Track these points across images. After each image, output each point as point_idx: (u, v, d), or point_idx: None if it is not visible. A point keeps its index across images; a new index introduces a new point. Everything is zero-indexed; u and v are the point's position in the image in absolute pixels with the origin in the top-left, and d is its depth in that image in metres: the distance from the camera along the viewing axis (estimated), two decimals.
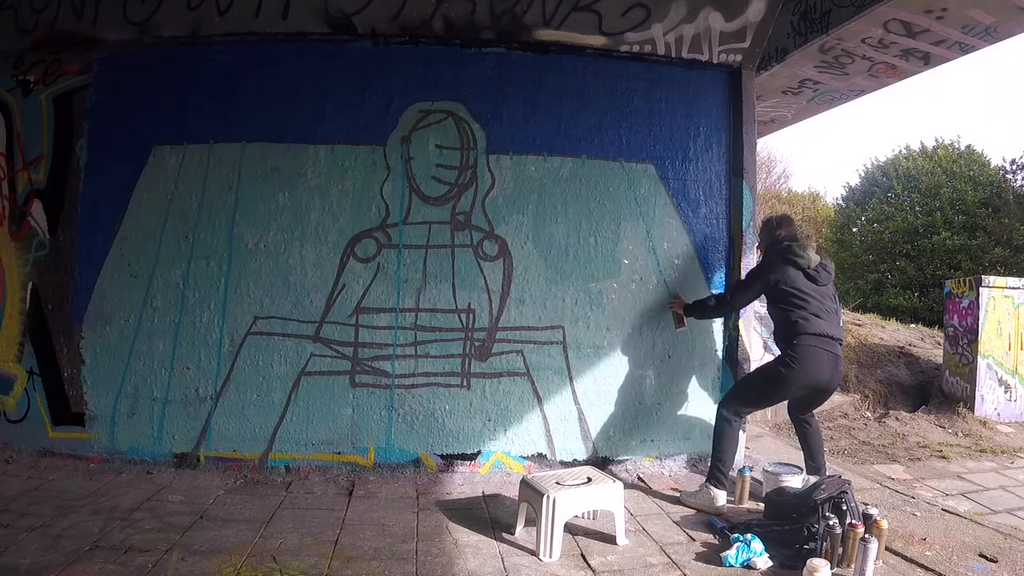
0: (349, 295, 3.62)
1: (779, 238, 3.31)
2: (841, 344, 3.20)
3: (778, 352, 3.24)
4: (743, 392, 3.38)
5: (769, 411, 5.66)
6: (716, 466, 3.23)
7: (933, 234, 13.57)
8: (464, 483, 3.51)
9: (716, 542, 2.77)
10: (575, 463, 3.58)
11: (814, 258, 3.18)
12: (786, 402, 3.49)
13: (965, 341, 6.98)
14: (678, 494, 3.36)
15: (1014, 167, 14.36)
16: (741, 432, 3.87)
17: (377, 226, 3.65)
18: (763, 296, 3.35)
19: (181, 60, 3.70)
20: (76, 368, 3.62)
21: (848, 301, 13.45)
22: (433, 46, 3.71)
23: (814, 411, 3.44)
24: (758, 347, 5.33)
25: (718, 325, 3.87)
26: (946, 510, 3.21)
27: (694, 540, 2.81)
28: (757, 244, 3.66)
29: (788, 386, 3.18)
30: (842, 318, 3.41)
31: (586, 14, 3.63)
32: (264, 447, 3.56)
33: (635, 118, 3.84)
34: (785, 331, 3.16)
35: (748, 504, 3.25)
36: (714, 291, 3.81)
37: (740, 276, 3.73)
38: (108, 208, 3.64)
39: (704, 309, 3.58)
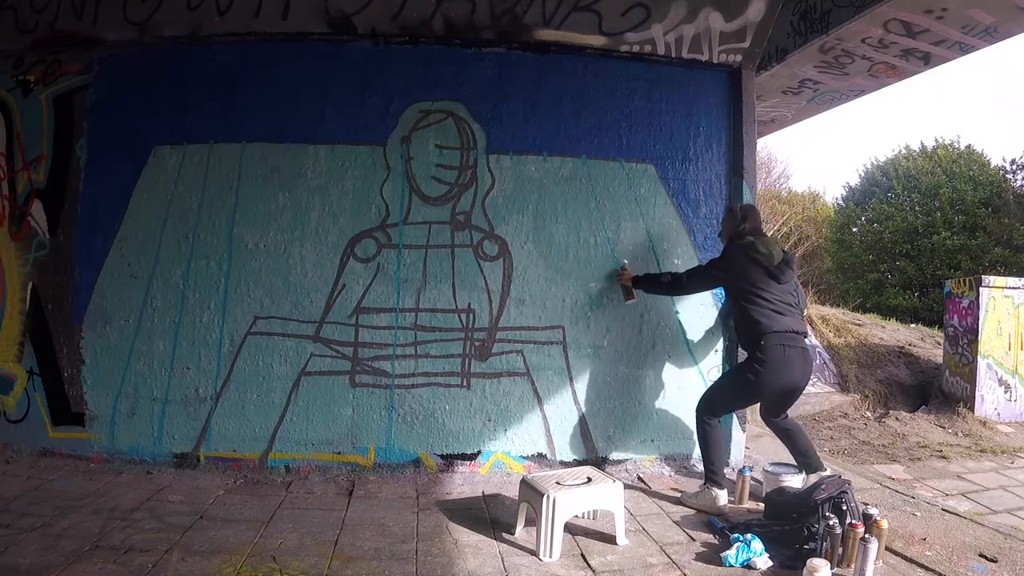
0: (349, 295, 3.62)
1: (742, 231, 3.27)
2: (805, 337, 3.19)
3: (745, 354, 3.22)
4: (717, 397, 3.35)
5: None
6: (709, 468, 3.24)
7: (933, 234, 13.57)
8: (464, 483, 3.50)
9: (716, 542, 2.77)
10: (575, 463, 3.58)
11: (777, 255, 3.15)
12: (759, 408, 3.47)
13: (965, 341, 6.98)
14: (678, 494, 3.36)
15: (1014, 167, 14.37)
16: (740, 432, 3.88)
17: (377, 226, 3.65)
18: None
19: (181, 60, 3.70)
20: (76, 368, 3.62)
21: (848, 301, 13.45)
22: (433, 46, 3.70)
23: (788, 412, 3.39)
24: None
25: (718, 326, 3.87)
26: (946, 510, 3.21)
27: (694, 540, 2.81)
28: (719, 231, 3.61)
29: (761, 390, 3.18)
30: (805, 311, 3.38)
31: (586, 14, 3.63)
32: (264, 447, 3.56)
33: (635, 118, 3.84)
34: (749, 330, 3.13)
35: (748, 504, 3.25)
36: (669, 270, 3.74)
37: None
38: (108, 208, 3.64)
39: (657, 285, 3.53)
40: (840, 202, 16.66)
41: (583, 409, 3.73)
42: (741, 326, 3.22)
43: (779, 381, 3.11)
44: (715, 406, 3.33)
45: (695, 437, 3.43)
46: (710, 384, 3.82)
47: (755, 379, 3.09)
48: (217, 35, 3.63)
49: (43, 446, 3.62)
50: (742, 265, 3.15)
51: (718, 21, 3.73)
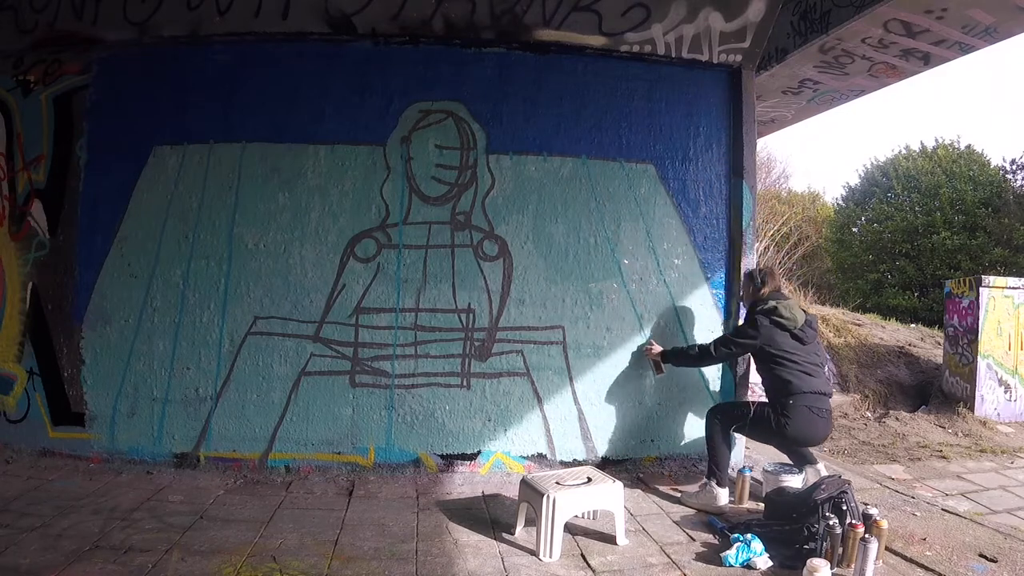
0: (349, 295, 3.62)
1: (763, 296, 3.33)
2: (829, 398, 3.26)
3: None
4: (735, 424, 3.34)
5: None
6: (714, 464, 3.26)
7: (933, 234, 13.55)
8: (464, 483, 3.51)
9: (716, 542, 2.77)
10: (575, 463, 3.58)
11: (800, 318, 3.22)
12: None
13: (965, 341, 6.98)
14: (678, 494, 3.36)
15: (1014, 167, 14.35)
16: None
17: (377, 226, 3.65)
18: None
19: (181, 60, 3.70)
20: (76, 368, 3.62)
21: (848, 301, 13.45)
22: (433, 46, 3.71)
23: None
24: None
25: (718, 325, 3.87)
26: (946, 510, 3.21)
27: (694, 540, 2.82)
28: (739, 294, 3.71)
29: (776, 438, 3.27)
30: (828, 368, 3.42)
31: (586, 14, 3.63)
32: (264, 447, 3.56)
33: (635, 118, 3.84)
34: (777, 390, 3.20)
35: (748, 504, 3.25)
36: (698, 340, 3.75)
37: (739, 277, 3.74)
38: (108, 208, 3.64)
39: (685, 358, 3.54)
40: (840, 202, 16.64)
41: (583, 409, 3.73)
42: (770, 385, 3.27)
43: (798, 438, 3.19)
44: (730, 426, 3.34)
45: (696, 437, 3.43)
46: (712, 384, 3.84)
47: (776, 430, 3.16)
48: (217, 35, 3.63)
49: (43, 446, 3.62)
50: (768, 331, 3.21)
51: (718, 21, 3.73)
